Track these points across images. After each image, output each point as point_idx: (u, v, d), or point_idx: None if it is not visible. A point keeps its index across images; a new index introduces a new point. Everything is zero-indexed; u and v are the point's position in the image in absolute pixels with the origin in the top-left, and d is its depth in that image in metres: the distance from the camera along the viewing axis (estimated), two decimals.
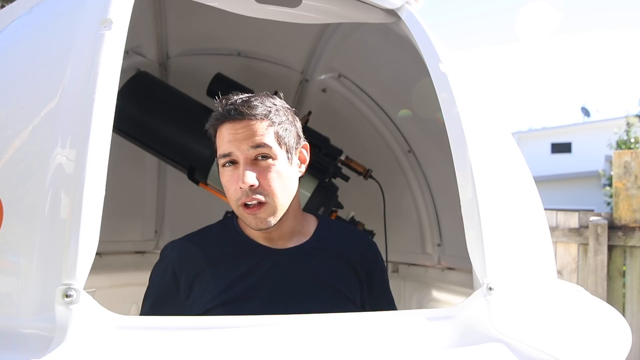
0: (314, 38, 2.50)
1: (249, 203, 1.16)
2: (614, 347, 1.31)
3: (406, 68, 2.27)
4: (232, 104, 1.19)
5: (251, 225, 1.20)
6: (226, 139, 1.17)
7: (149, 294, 1.29)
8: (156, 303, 1.26)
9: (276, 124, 1.20)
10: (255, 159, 1.17)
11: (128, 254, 2.73)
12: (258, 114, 1.18)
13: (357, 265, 1.34)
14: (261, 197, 1.16)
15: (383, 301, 1.41)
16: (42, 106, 1.08)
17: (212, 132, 1.23)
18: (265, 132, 1.17)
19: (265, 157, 1.18)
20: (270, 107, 1.21)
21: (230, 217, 1.35)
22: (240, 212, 1.19)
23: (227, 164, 1.18)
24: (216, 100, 1.24)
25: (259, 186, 1.16)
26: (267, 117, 1.19)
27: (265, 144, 1.17)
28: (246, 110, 1.17)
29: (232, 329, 0.98)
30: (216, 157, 1.25)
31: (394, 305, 1.44)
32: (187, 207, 2.82)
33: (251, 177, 1.14)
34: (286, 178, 1.21)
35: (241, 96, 1.22)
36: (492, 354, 1.05)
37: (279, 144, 1.20)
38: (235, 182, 1.16)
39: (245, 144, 1.16)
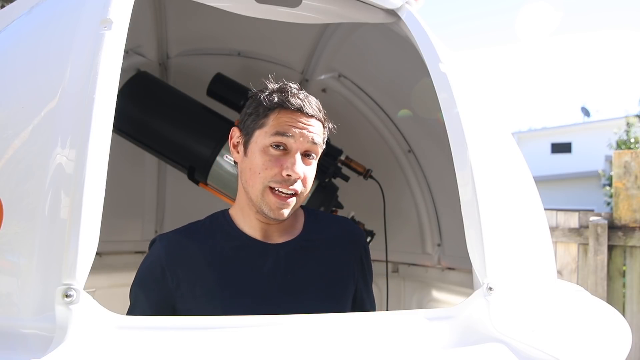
0: (314, 38, 2.50)
1: (286, 191, 1.20)
2: (614, 347, 1.31)
3: (406, 68, 2.27)
4: (299, 97, 1.22)
5: (269, 213, 1.21)
6: (288, 123, 1.20)
7: (137, 289, 1.26)
8: (143, 296, 1.24)
9: (326, 131, 1.29)
10: (303, 154, 1.22)
11: (128, 254, 2.73)
12: (322, 117, 1.26)
13: (349, 256, 1.36)
14: (298, 189, 1.21)
15: (370, 289, 1.44)
16: (42, 106, 1.08)
17: (268, 104, 1.21)
18: (322, 135, 1.26)
19: (312, 155, 1.24)
20: (325, 112, 1.28)
21: (222, 212, 1.35)
22: (266, 193, 1.20)
23: (275, 146, 1.20)
24: (270, 80, 1.27)
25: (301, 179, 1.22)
26: (325, 122, 1.27)
27: (320, 145, 1.25)
28: (316, 110, 1.24)
29: (232, 329, 0.98)
30: (246, 132, 1.24)
31: (374, 298, 1.47)
32: (187, 207, 2.82)
33: (302, 170, 1.21)
34: (313, 177, 1.27)
35: (302, 91, 1.26)
36: (492, 354, 1.05)
37: (322, 146, 1.27)
38: (278, 165, 1.19)
39: (306, 137, 1.20)
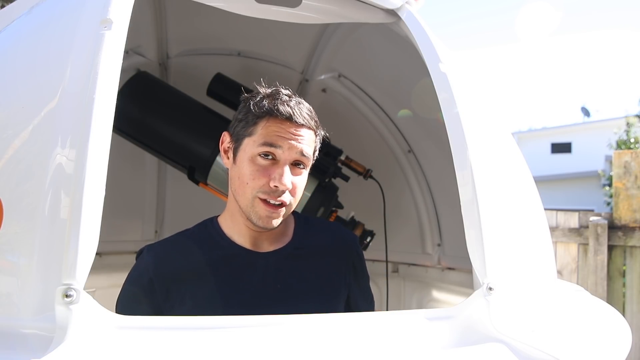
0: (314, 38, 2.50)
1: (274, 202, 1.17)
2: (614, 347, 1.31)
3: (406, 68, 2.27)
4: (289, 105, 1.18)
5: (258, 222, 1.19)
6: (277, 133, 1.16)
7: (124, 301, 1.23)
8: (130, 308, 1.19)
9: (318, 139, 1.25)
10: (292, 163, 1.19)
11: (128, 254, 2.72)
12: (314, 126, 1.21)
13: (341, 262, 1.34)
14: (286, 200, 1.18)
15: (366, 293, 1.42)
16: (42, 106, 1.08)
17: (257, 112, 1.18)
18: (313, 145, 1.22)
19: (301, 164, 1.21)
20: (317, 119, 1.24)
21: (211, 220, 1.33)
22: (255, 203, 1.18)
23: (264, 155, 1.17)
24: (262, 85, 1.23)
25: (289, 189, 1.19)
26: (317, 130, 1.23)
27: (309, 156, 1.21)
28: (307, 119, 1.19)
29: (232, 328, 0.98)
30: (236, 138, 1.22)
31: (372, 298, 1.46)
32: (187, 207, 2.82)
33: (290, 181, 1.17)
34: (303, 187, 1.24)
35: (294, 98, 1.21)
36: (492, 354, 1.05)
37: (312, 156, 1.24)
38: (266, 175, 1.16)
39: (295, 148, 1.17)
